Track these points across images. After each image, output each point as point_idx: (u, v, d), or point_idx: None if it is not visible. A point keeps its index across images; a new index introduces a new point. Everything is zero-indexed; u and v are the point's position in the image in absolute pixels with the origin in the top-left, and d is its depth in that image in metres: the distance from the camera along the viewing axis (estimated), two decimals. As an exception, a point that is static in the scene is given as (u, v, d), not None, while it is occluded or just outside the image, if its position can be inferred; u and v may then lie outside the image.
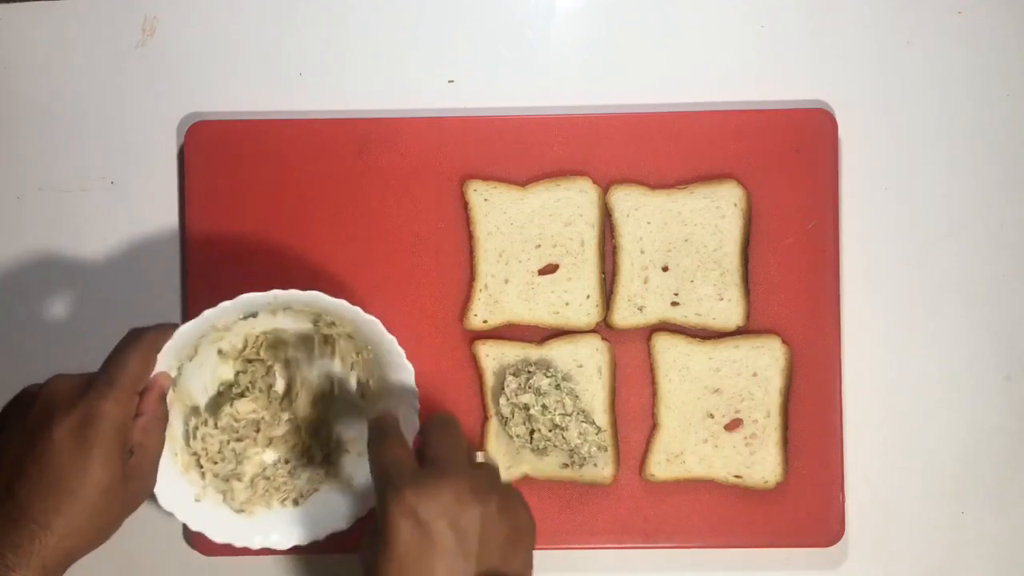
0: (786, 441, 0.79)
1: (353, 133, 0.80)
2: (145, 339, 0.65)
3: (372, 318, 0.69)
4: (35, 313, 0.82)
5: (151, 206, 0.82)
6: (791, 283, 0.79)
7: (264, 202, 0.80)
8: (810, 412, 0.79)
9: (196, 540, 0.79)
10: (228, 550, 0.77)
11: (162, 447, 0.67)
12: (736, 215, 0.79)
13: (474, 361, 0.79)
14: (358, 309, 0.69)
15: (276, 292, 0.67)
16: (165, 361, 0.67)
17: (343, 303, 0.68)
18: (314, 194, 0.80)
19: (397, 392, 0.72)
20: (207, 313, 0.66)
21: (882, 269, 0.81)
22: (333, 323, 0.74)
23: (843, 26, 0.82)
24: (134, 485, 0.64)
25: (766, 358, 0.79)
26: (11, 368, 0.81)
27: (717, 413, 0.79)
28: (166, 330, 0.66)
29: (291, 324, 0.74)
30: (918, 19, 0.82)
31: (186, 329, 0.66)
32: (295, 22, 0.83)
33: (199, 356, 0.73)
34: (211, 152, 0.80)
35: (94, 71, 0.82)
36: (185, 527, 0.79)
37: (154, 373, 0.66)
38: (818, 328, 0.79)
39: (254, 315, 0.72)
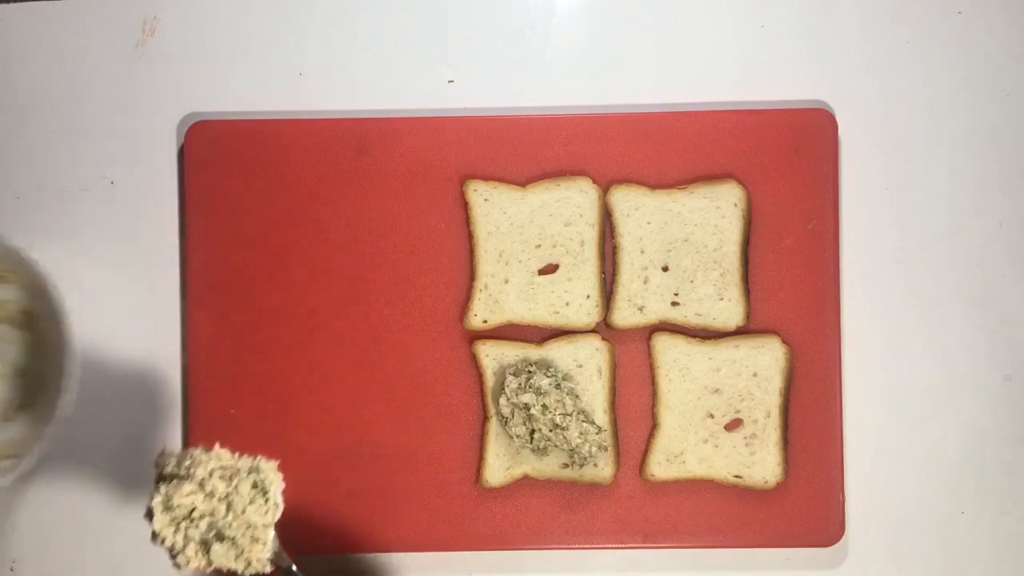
0: (786, 441, 0.79)
1: (353, 133, 0.80)
2: None
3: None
4: (35, 313, 0.82)
5: (151, 206, 0.82)
6: (791, 283, 0.79)
7: (264, 202, 0.80)
8: (810, 412, 0.79)
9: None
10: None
11: None
12: (736, 215, 0.79)
13: (474, 361, 0.79)
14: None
15: None
16: None
17: None
18: (314, 194, 0.80)
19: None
20: None
21: (882, 269, 0.81)
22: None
23: (843, 26, 0.82)
24: None
25: (766, 358, 0.79)
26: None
27: (717, 413, 0.79)
28: None
29: None
30: (918, 19, 0.82)
31: None
32: (295, 22, 0.82)
33: None
34: (211, 152, 0.80)
35: (94, 71, 0.82)
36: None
37: None
38: (818, 328, 0.79)
39: None
